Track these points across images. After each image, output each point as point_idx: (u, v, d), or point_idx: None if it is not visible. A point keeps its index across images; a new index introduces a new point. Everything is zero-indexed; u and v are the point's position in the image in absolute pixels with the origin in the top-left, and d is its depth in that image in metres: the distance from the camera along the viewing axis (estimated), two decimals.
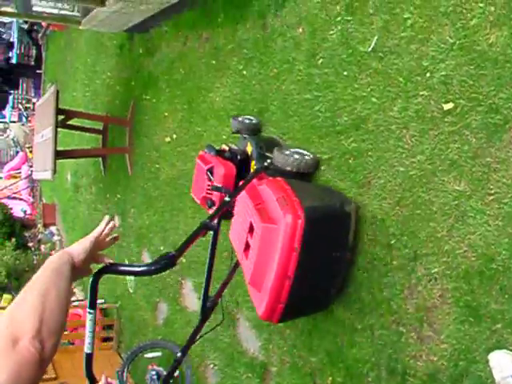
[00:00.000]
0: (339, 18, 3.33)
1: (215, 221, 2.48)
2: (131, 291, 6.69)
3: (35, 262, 11.04)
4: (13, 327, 1.33)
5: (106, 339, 7.24)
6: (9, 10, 7.52)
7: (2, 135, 21.78)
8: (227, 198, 2.78)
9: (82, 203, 9.44)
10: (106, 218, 1.84)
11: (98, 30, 7.10)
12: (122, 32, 7.09)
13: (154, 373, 5.32)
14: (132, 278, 6.64)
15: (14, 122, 18.54)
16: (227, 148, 4.02)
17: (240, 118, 4.03)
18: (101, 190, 8.32)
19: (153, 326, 6.08)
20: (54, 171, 6.41)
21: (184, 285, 5.35)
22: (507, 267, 2.37)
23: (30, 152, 14.94)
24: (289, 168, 3.32)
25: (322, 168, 3.40)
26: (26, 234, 12.98)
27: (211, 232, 2.53)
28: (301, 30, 3.69)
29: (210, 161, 3.96)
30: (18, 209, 14.03)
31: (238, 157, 3.86)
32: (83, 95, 9.49)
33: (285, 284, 2.82)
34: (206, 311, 2.60)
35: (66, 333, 7.23)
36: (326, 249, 3.01)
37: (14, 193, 15.14)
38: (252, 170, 3.70)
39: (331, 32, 3.39)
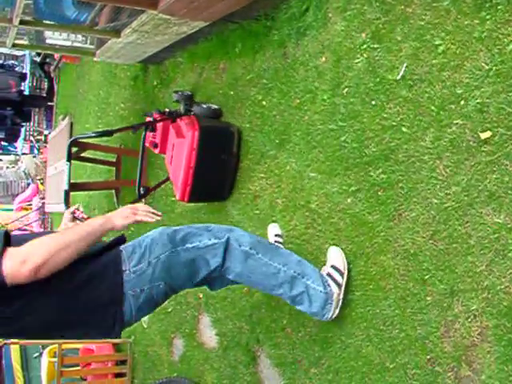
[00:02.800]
0: (365, 46, 3.24)
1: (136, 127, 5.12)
2: (145, 326, 6.54)
3: None
4: (28, 251, 2.27)
5: (119, 375, 7.08)
6: (22, 42, 7.52)
7: (14, 167, 21.88)
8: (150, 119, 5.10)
9: None
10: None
11: (112, 61, 7.08)
12: (136, 63, 7.06)
13: None
14: None
15: (26, 153, 18.62)
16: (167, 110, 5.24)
17: (179, 93, 5.45)
18: None
19: (168, 363, 5.92)
20: (68, 204, 6.32)
21: (201, 320, 5.21)
22: None
23: (42, 184, 14.95)
24: (204, 113, 4.98)
25: (349, 201, 3.28)
26: None
27: None
28: (324, 58, 3.61)
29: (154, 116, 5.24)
30: None
31: (175, 114, 5.01)
32: (96, 127, 9.44)
33: (189, 172, 4.41)
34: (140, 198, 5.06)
35: (77, 368, 7.10)
36: (216, 152, 4.50)
37: (25, 225, 15.11)
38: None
39: (357, 60, 3.30)
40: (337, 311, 3.16)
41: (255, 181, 4.32)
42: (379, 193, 3.06)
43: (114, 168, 7.90)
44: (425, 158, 2.79)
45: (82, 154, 7.32)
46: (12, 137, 15.11)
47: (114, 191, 7.98)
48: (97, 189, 8.32)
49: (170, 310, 5.83)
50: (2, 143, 16.84)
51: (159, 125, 5.03)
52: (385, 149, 3.03)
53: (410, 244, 2.87)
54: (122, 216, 2.75)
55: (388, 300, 3.00)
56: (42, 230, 14.85)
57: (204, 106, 4.99)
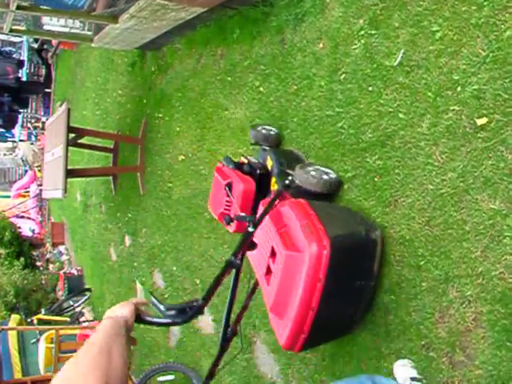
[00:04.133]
0: (362, 32, 3.24)
1: (239, 256, 2.30)
2: None
3: (43, 281, 10.97)
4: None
5: None
6: (20, 28, 7.48)
7: (11, 154, 21.84)
8: (251, 229, 2.54)
9: (92, 222, 9.35)
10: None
11: (110, 47, 7.04)
12: (133, 49, 7.03)
13: None
14: (144, 298, 6.52)
15: (23, 140, 18.56)
16: (246, 161, 3.87)
17: (259, 128, 3.91)
18: (111, 209, 8.23)
19: (165, 348, 5.94)
20: (65, 190, 6.33)
21: None
22: None
23: (39, 171, 14.93)
24: (312, 188, 3.21)
25: (346, 187, 3.29)
26: (35, 253, 12.93)
27: None
28: (321, 45, 3.60)
29: (229, 175, 3.78)
30: (27, 228, 14.00)
31: (258, 171, 3.72)
32: (93, 114, 9.44)
33: (308, 315, 2.75)
34: (225, 343, 2.42)
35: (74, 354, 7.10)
36: (351, 278, 2.92)
37: (23, 212, 15.11)
38: (272, 188, 3.58)
39: (354, 46, 3.30)
40: None
41: None
42: (375, 179, 3.07)
43: (111, 154, 7.89)
44: (421, 144, 2.79)
45: (80, 141, 7.31)
46: (9, 123, 15.05)
47: (111, 178, 7.98)
48: (94, 175, 8.32)
49: (166, 295, 5.84)
50: (0, 130, 16.77)
51: (238, 189, 3.64)
52: (381, 135, 3.03)
53: (406, 230, 2.87)
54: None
55: (383, 286, 3.01)
56: (39, 216, 14.86)
57: (314, 173, 3.26)
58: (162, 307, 1.68)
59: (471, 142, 2.55)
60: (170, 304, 1.66)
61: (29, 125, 17.45)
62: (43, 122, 14.65)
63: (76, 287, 9.40)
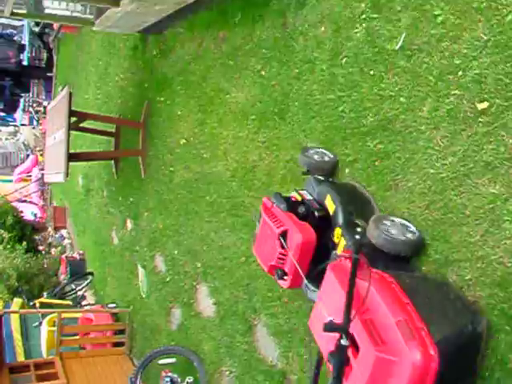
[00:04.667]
0: (364, 16, 3.23)
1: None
2: (144, 296, 6.59)
3: (45, 265, 11.01)
4: None
5: (118, 344, 7.15)
6: (21, 11, 7.47)
7: (13, 138, 21.82)
8: (344, 342, 2.11)
9: (93, 206, 9.38)
10: None
11: (111, 31, 7.03)
12: (135, 33, 7.02)
13: (168, 379, 5.21)
14: (145, 281, 6.56)
15: (25, 125, 18.55)
16: (299, 197, 3.28)
17: (311, 151, 3.39)
18: (113, 193, 8.25)
19: (166, 332, 5.98)
20: (67, 174, 6.35)
21: (199, 290, 5.25)
22: None
23: (41, 155, 14.94)
24: (391, 251, 2.68)
25: (347, 171, 3.29)
26: (37, 237, 12.96)
27: None
28: (323, 28, 3.59)
29: (282, 220, 3.16)
30: (29, 212, 14.02)
31: (316, 213, 3.16)
32: (95, 98, 9.43)
33: None
34: None
35: (76, 337, 7.17)
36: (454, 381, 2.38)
37: (25, 196, 15.12)
38: (336, 240, 2.96)
39: (356, 30, 3.29)
40: None
41: None
42: (376, 163, 3.07)
43: (113, 138, 7.90)
44: (422, 129, 2.80)
45: (82, 125, 7.32)
46: (11, 107, 15.07)
47: (112, 162, 7.99)
48: (96, 159, 8.34)
49: (168, 279, 5.87)
50: (1, 114, 16.78)
51: (292, 229, 3.06)
52: (382, 119, 3.03)
53: (406, 214, 2.88)
54: None
55: None
56: (41, 201, 14.90)
57: (390, 227, 2.74)
58: None
59: (472, 127, 2.55)
60: None
61: (30, 109, 17.44)
62: (45, 107, 14.63)
63: (78, 271, 9.43)
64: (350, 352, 2.19)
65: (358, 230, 2.82)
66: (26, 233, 12.29)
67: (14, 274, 9.57)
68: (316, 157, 3.34)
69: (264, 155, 4.13)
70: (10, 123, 19.19)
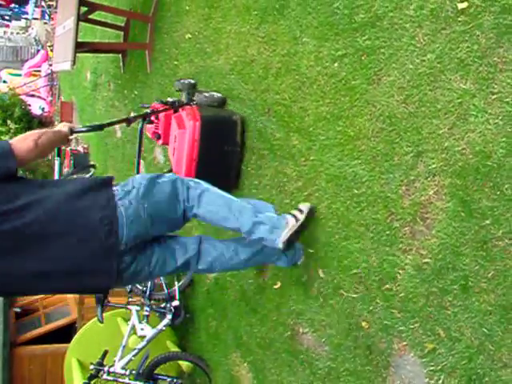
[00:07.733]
0: None
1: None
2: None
3: (50, 157, 11.25)
4: (29, 134, 3.01)
5: None
6: None
7: (24, 33, 21.71)
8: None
9: (100, 101, 9.53)
10: None
11: None
12: None
13: None
14: (144, 172, 6.77)
15: (37, 19, 18.45)
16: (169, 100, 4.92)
17: (182, 81, 5.31)
18: (119, 87, 8.39)
19: None
20: (74, 62, 6.47)
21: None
22: (501, 165, 2.46)
23: (51, 51, 14.96)
24: (203, 103, 4.77)
25: (336, 65, 3.45)
26: None
27: None
28: None
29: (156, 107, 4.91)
30: (37, 106, 14.19)
31: (176, 103, 4.73)
32: None
33: (192, 165, 4.27)
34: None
35: None
36: (219, 143, 4.37)
37: (33, 90, 15.24)
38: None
39: None
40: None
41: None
42: (362, 58, 3.23)
43: (122, 33, 7.97)
44: (407, 26, 2.94)
45: (92, 17, 7.38)
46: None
47: (120, 56, 8.09)
48: (103, 50, 8.41)
49: (165, 170, 6.07)
50: (13, 5, 16.70)
51: (162, 115, 4.84)
52: (372, 16, 3.17)
53: (385, 107, 3.07)
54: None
55: (360, 159, 3.24)
56: (50, 96, 15.03)
57: (207, 94, 4.85)
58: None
59: (451, 26, 2.70)
60: None
61: (43, 3, 17.32)
62: (57, 0, 14.52)
63: (81, 164, 9.68)
64: (174, 144, 4.45)
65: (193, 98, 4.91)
66: (32, 126, 12.47)
67: None
68: (186, 82, 5.31)
69: (262, 49, 4.25)
70: (22, 16, 19.07)
